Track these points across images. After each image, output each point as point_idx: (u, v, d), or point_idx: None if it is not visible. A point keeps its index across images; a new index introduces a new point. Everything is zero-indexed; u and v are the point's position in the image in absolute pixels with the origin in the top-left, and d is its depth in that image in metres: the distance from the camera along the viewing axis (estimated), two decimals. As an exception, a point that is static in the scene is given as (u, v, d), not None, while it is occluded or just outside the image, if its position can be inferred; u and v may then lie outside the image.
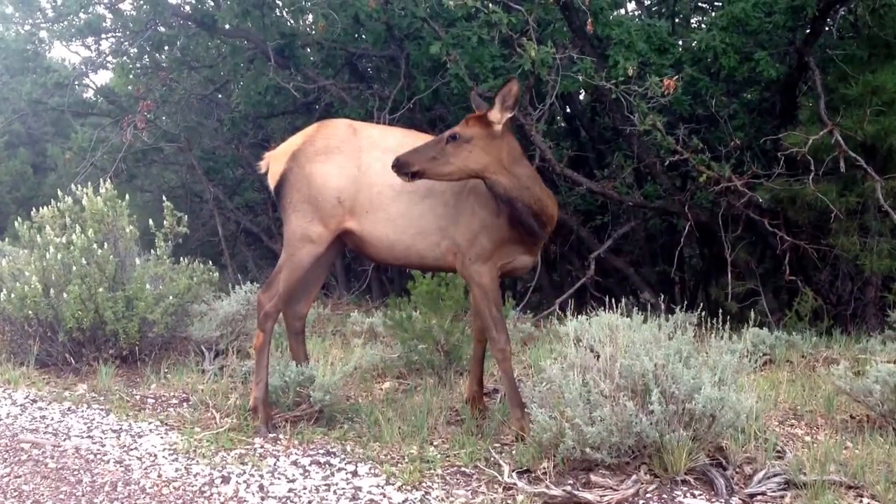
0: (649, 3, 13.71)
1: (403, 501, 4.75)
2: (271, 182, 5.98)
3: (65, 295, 7.40)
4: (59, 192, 8.35)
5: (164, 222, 8.25)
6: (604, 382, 4.84)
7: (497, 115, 5.42)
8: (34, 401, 6.85)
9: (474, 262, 5.64)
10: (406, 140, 5.85)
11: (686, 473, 4.79)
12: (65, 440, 5.85)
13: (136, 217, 8.38)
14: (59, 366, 7.70)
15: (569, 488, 4.67)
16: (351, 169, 5.78)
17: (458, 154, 5.37)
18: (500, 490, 4.83)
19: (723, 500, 4.61)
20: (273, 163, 5.99)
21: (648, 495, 4.66)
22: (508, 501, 4.71)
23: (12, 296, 7.53)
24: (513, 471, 4.99)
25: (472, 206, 5.65)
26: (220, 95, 15.62)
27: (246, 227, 16.23)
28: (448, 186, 5.71)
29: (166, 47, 14.42)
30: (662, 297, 8.84)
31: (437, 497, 4.77)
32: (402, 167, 5.36)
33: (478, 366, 6.25)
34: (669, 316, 5.56)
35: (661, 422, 4.68)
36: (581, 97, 13.20)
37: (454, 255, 5.72)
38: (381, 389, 7.23)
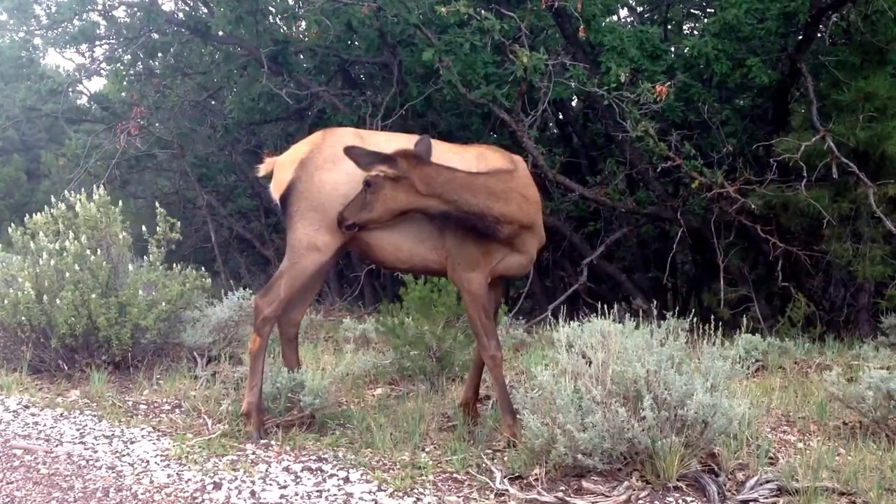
0: (641, 9, 13.76)
1: (395, 508, 4.76)
2: (277, 190, 5.93)
3: (58, 301, 7.39)
4: (53, 199, 8.33)
5: (157, 228, 8.24)
6: (596, 389, 4.84)
7: (374, 171, 5.46)
8: (26, 406, 6.83)
9: (464, 270, 5.64)
10: (410, 145, 5.85)
11: (678, 480, 4.78)
12: (57, 446, 5.83)
13: (129, 223, 8.35)
14: (51, 372, 7.68)
15: (560, 495, 4.67)
16: (359, 176, 5.76)
17: (377, 199, 5.47)
18: (492, 496, 4.82)
19: (715, 506, 4.62)
20: (279, 171, 5.94)
21: (640, 502, 4.66)
22: (500, 507, 4.72)
23: (5, 302, 7.51)
24: (504, 477, 4.99)
25: None
26: (213, 102, 15.64)
27: (239, 234, 16.25)
28: None
29: (160, 54, 14.47)
30: (655, 303, 8.86)
31: (428, 503, 4.76)
32: (340, 223, 5.58)
33: (476, 372, 6.25)
34: (662, 322, 5.56)
35: (653, 428, 4.68)
36: (573, 103, 13.25)
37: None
38: (373, 396, 7.23)
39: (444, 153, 5.70)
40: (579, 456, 4.69)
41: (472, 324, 5.79)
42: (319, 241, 5.78)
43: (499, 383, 5.70)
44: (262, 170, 6.10)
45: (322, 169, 5.78)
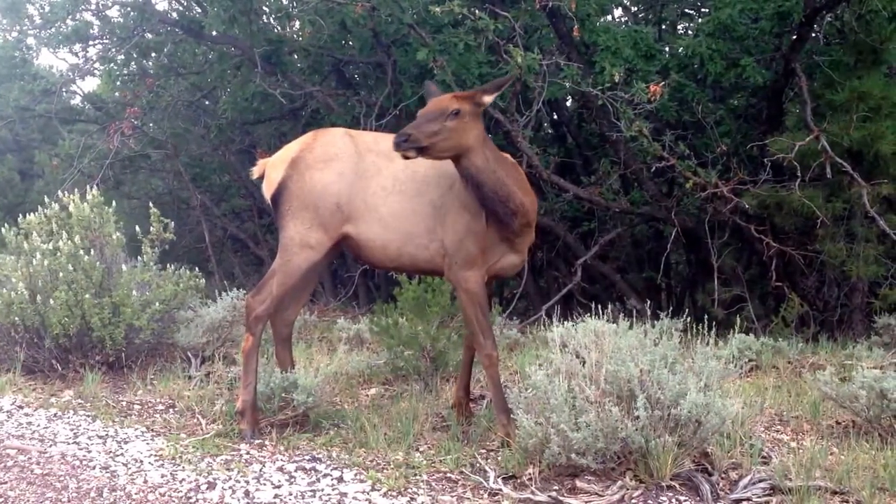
0: (636, 9, 13.75)
1: (389, 507, 4.75)
2: (268, 190, 5.96)
3: (51, 301, 7.38)
4: (46, 199, 8.31)
5: (151, 229, 8.24)
6: (589, 388, 4.85)
7: (489, 98, 5.44)
8: (20, 407, 6.83)
9: (461, 268, 5.65)
10: None
11: (671, 479, 4.80)
12: (51, 446, 5.83)
13: (122, 223, 8.35)
14: (45, 372, 7.67)
15: (554, 494, 4.68)
16: (350, 176, 5.80)
17: (458, 129, 5.28)
18: (486, 496, 4.83)
19: (708, 505, 4.62)
20: (270, 170, 5.97)
21: (634, 501, 4.67)
22: (494, 507, 4.72)
23: (-2, 302, 7.52)
24: (498, 476, 5.00)
25: (458, 208, 5.65)
26: (206, 102, 15.59)
27: (233, 234, 16.19)
28: (433, 186, 5.73)
29: (153, 54, 14.43)
30: (649, 303, 8.83)
31: (422, 503, 4.76)
32: (410, 142, 5.20)
33: (466, 372, 6.27)
34: (655, 322, 5.58)
35: (646, 427, 4.68)
36: (568, 103, 13.22)
37: (443, 258, 5.73)
38: (367, 395, 7.23)
39: None
40: (573, 455, 4.70)
41: (468, 323, 5.80)
42: (312, 239, 5.80)
43: (494, 382, 5.71)
44: (255, 172, 6.13)
45: (313, 168, 5.81)
